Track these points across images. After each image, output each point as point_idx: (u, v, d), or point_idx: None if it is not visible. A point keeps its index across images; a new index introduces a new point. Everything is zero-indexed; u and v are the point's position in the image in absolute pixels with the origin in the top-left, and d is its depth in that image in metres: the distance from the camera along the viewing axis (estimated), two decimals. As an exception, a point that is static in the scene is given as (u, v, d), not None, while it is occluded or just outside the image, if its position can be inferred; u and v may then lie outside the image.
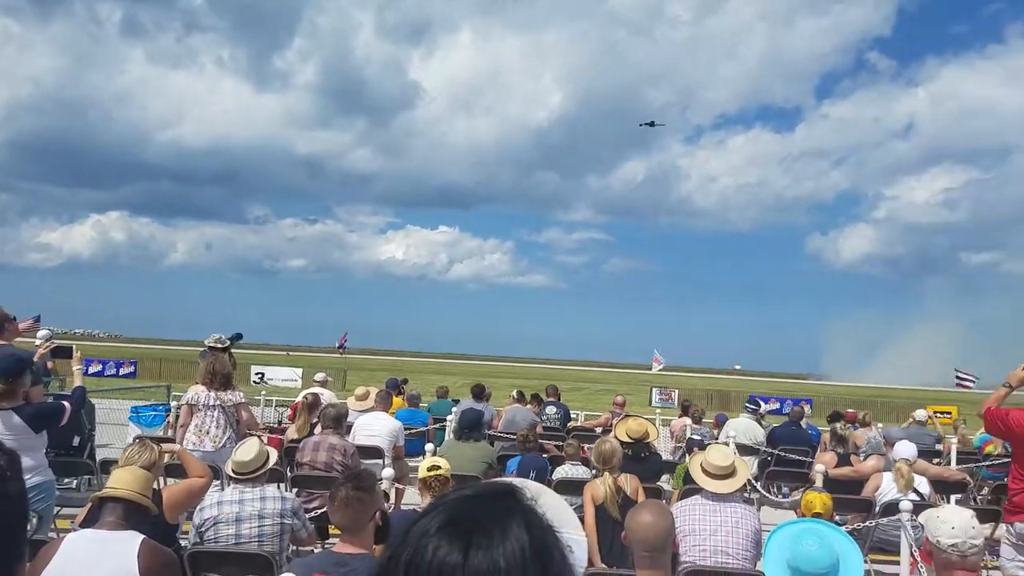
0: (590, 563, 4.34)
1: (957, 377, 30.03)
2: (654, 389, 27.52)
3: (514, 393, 11.05)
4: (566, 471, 5.94)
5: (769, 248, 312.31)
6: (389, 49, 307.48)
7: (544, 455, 7.10)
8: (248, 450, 4.02)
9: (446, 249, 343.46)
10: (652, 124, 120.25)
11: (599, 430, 10.38)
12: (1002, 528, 4.89)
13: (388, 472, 5.22)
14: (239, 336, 9.44)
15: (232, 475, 4.06)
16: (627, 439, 5.87)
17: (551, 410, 10.62)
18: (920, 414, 10.82)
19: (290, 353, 70.94)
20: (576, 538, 2.25)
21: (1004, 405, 4.63)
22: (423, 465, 4.03)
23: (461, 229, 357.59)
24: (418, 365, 65.68)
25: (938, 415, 14.91)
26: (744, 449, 9.41)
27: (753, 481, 8.74)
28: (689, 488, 5.10)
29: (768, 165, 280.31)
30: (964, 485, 7.59)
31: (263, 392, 14.88)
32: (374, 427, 6.91)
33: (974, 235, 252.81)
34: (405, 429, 7.38)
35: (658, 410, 15.96)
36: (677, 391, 27.88)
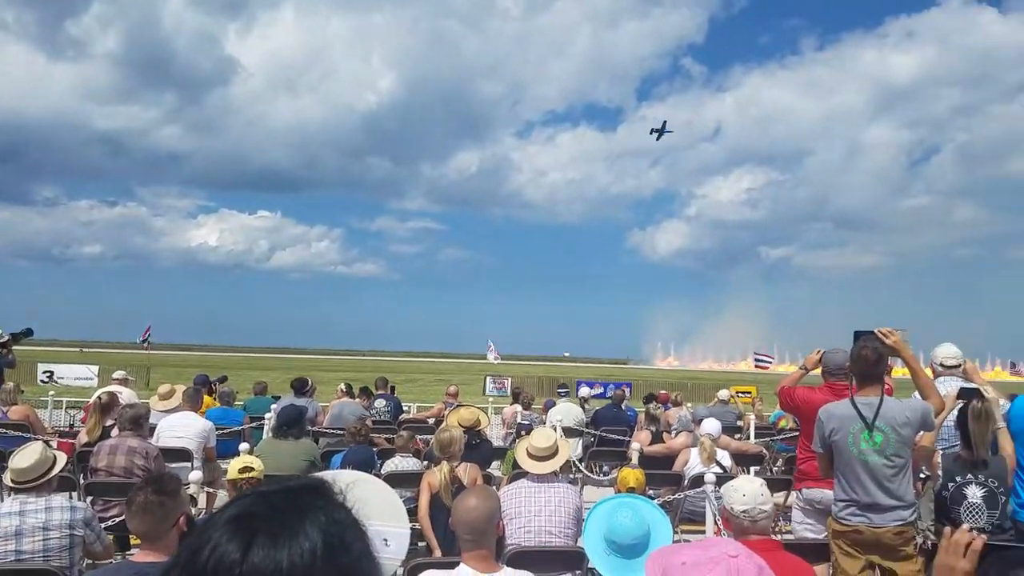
0: (430, 551, 4.38)
1: (756, 359, 33.67)
2: (488, 378, 28.10)
3: (342, 387, 10.78)
4: (396, 464, 5.91)
5: (595, 241, 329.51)
6: (202, 20, 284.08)
7: (374, 448, 7.01)
8: (27, 456, 3.60)
9: (266, 235, 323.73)
10: (661, 131, 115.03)
11: (432, 421, 10.43)
12: (793, 495, 5.52)
13: (196, 475, 4.89)
14: (28, 332, 8.35)
15: (11, 484, 3.63)
16: (459, 428, 5.95)
17: (381, 403, 10.49)
18: (723, 394, 12.00)
19: (84, 350, 64.54)
20: (394, 530, 2.25)
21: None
22: (233, 466, 3.82)
23: (284, 214, 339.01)
24: (235, 360, 61.94)
25: (740, 394, 16.59)
26: (570, 432, 9.91)
27: (577, 462, 9.23)
28: (517, 473, 5.27)
29: (593, 162, 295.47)
30: (761, 457, 8.50)
31: (51, 392, 13.46)
32: (180, 428, 6.46)
33: (772, 231, 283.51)
34: (217, 429, 6.95)
35: (491, 399, 16.31)
36: (510, 379, 28.67)
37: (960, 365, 4.89)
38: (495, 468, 7.39)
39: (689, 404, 12.68)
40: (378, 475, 5.62)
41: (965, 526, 1.86)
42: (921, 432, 3.86)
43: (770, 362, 33.45)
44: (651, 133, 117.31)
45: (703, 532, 5.50)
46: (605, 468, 9.21)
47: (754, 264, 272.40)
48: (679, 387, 30.42)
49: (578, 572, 3.72)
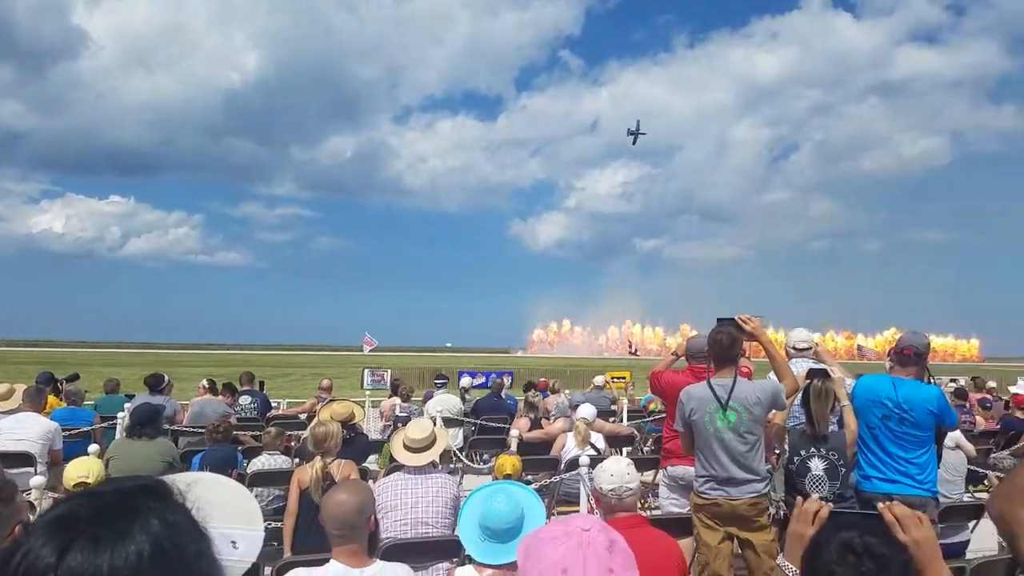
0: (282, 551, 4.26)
1: (630, 346, 35.30)
2: (366, 371, 27.59)
3: (204, 383, 10.26)
4: (263, 462, 5.71)
5: (477, 230, 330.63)
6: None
7: (239, 447, 6.73)
8: None
9: (119, 222, 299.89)
10: (636, 133, 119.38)
11: (303, 417, 10.14)
12: (660, 472, 5.83)
13: (38, 480, 4.52)
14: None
15: None
16: (335, 422, 5.82)
17: (246, 400, 10.07)
18: (599, 379, 12.47)
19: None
20: (244, 532, 2.17)
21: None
22: (67, 475, 3.55)
23: (138, 199, 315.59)
24: (84, 356, 57.44)
25: (614, 380, 17.26)
26: (450, 422, 9.94)
27: (457, 452, 9.29)
28: (394, 466, 5.24)
29: (474, 150, 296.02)
30: (632, 439, 8.91)
31: None
32: (21, 430, 5.94)
33: (645, 224, 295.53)
34: (65, 430, 6.44)
35: (368, 392, 16.05)
36: (389, 371, 28.32)
37: (811, 348, 5.33)
38: (373, 462, 7.30)
39: (567, 391, 13.07)
40: (242, 475, 5.41)
41: (814, 496, 2.05)
42: (773, 411, 4.19)
43: (639, 350, 35.22)
44: (628, 135, 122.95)
45: (577, 512, 5.69)
46: (485, 456, 9.33)
47: (629, 255, 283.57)
48: (558, 374, 31.17)
49: (455, 560, 3.75)
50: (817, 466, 4.35)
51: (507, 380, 15.78)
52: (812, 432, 4.37)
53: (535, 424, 8.07)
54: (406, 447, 4.22)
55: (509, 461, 4.59)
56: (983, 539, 5.25)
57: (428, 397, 10.92)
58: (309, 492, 4.51)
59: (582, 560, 1.19)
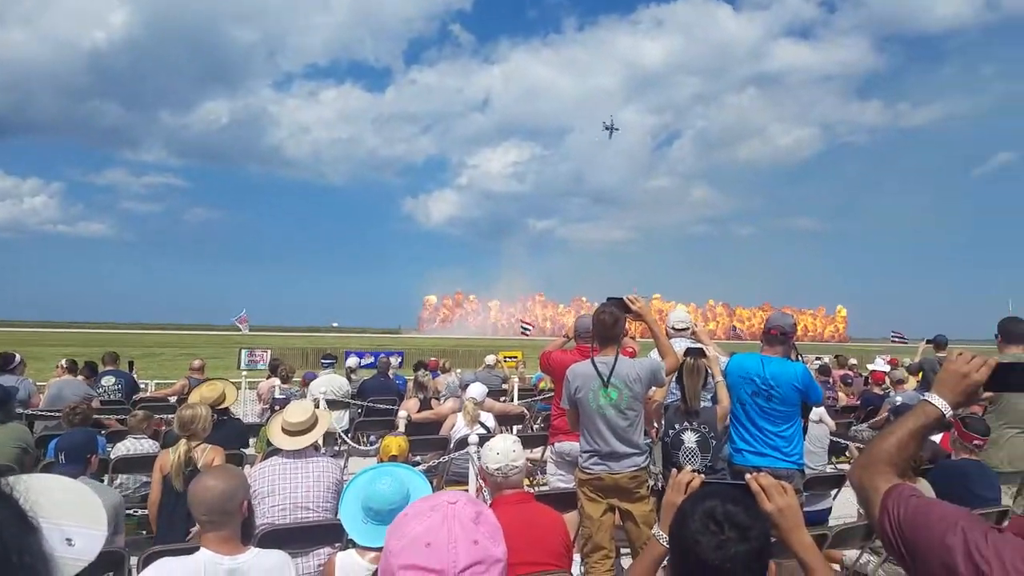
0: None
1: (522, 325, 35.87)
2: (243, 351, 26.46)
3: (62, 363, 9.55)
4: (128, 447, 5.39)
5: (365, 206, 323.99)
6: None
7: (102, 431, 6.32)
8: None
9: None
10: (611, 129, 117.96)
11: (174, 399, 9.65)
12: (548, 449, 5.96)
13: None
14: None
15: None
16: (205, 405, 5.56)
17: (109, 381, 9.48)
18: (490, 359, 12.58)
19: None
20: (82, 529, 2.05)
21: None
22: None
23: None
24: (-74, 336, 52.16)
25: (507, 359, 17.45)
26: (335, 404, 9.73)
27: (343, 434, 9.13)
28: (272, 450, 5.07)
29: (361, 122, 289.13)
30: (522, 417, 9.07)
31: None
32: None
33: (538, 204, 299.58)
34: None
35: (244, 373, 15.45)
36: (269, 351, 27.33)
37: (688, 328, 5.58)
38: (251, 446, 7.04)
39: (458, 370, 13.10)
40: (105, 460, 5.09)
41: (688, 467, 2.15)
42: (653, 387, 4.37)
43: (531, 328, 35.87)
44: (604, 130, 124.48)
45: (466, 492, 5.72)
46: (372, 438, 9.22)
47: (523, 235, 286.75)
48: (450, 354, 31.13)
49: (337, 545, 3.69)
50: (690, 439, 4.58)
51: (396, 360, 15.60)
52: (685, 407, 4.59)
53: (424, 404, 8.04)
54: (284, 430, 4.08)
55: (395, 442, 4.55)
56: (844, 507, 5.71)
57: (309, 378, 10.63)
58: (170, 478, 4.32)
59: (447, 532, 1.18)
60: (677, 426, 4.57)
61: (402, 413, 7.38)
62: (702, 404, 4.70)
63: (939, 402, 1.66)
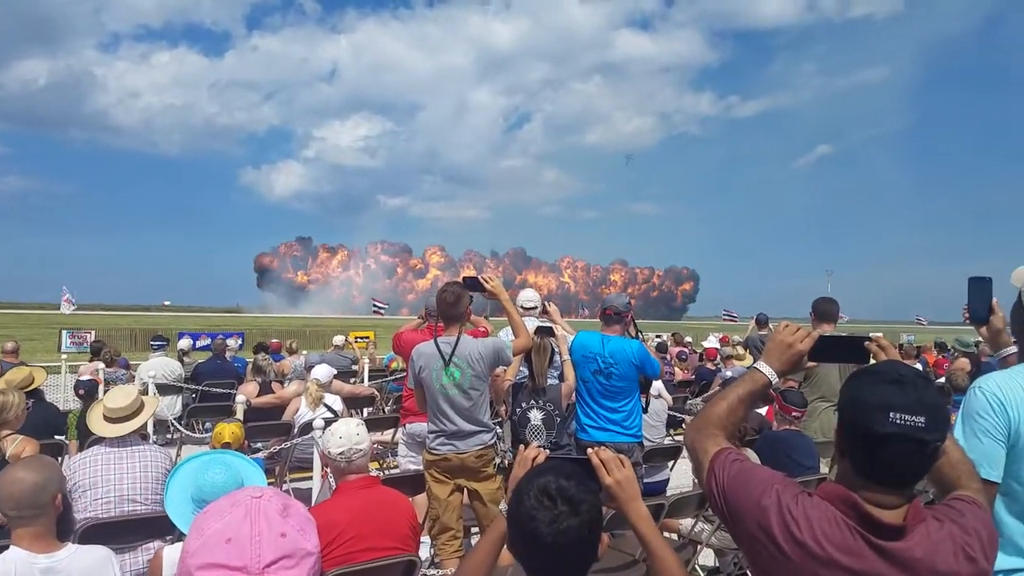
0: None
1: (374, 305, 35.38)
2: (64, 332, 24.18)
3: None
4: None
5: (201, 176, 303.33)
6: None
7: None
8: None
9: None
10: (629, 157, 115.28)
11: (-24, 386, 8.63)
12: (399, 431, 5.92)
13: None
14: None
15: None
16: (18, 391, 5.03)
17: None
18: (338, 339, 12.30)
19: None
20: None
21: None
22: None
23: None
24: None
25: (358, 340, 17.14)
26: (166, 388, 9.15)
27: (175, 421, 8.60)
28: (94, 439, 4.69)
29: (197, 88, 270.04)
30: (373, 399, 8.94)
31: None
32: None
33: (390, 181, 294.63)
34: None
35: (64, 356, 14.14)
36: (93, 332, 25.14)
37: (537, 307, 5.72)
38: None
39: (304, 352, 12.69)
40: None
41: (534, 443, 2.20)
42: (502, 367, 4.43)
43: (386, 307, 35.50)
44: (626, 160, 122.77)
45: (311, 479, 5.57)
46: (208, 425, 8.77)
47: (374, 211, 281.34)
48: (296, 335, 30.18)
49: (168, 538, 3.50)
50: (536, 417, 4.73)
51: (235, 341, 14.86)
52: (532, 385, 4.72)
53: (265, 388, 7.72)
54: (106, 417, 3.78)
55: (227, 429, 4.32)
56: (680, 477, 6.12)
57: (122, 365, 9.91)
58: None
59: (250, 527, 1.13)
60: (524, 404, 4.69)
61: (240, 398, 7.03)
62: (549, 382, 4.84)
63: (767, 370, 1.79)
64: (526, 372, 4.94)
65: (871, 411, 1.42)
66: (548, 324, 5.20)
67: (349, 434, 2.99)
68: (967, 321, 2.47)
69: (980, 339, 2.57)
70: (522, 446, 1.97)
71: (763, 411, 6.15)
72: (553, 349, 4.92)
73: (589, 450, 1.77)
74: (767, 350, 1.83)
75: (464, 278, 4.45)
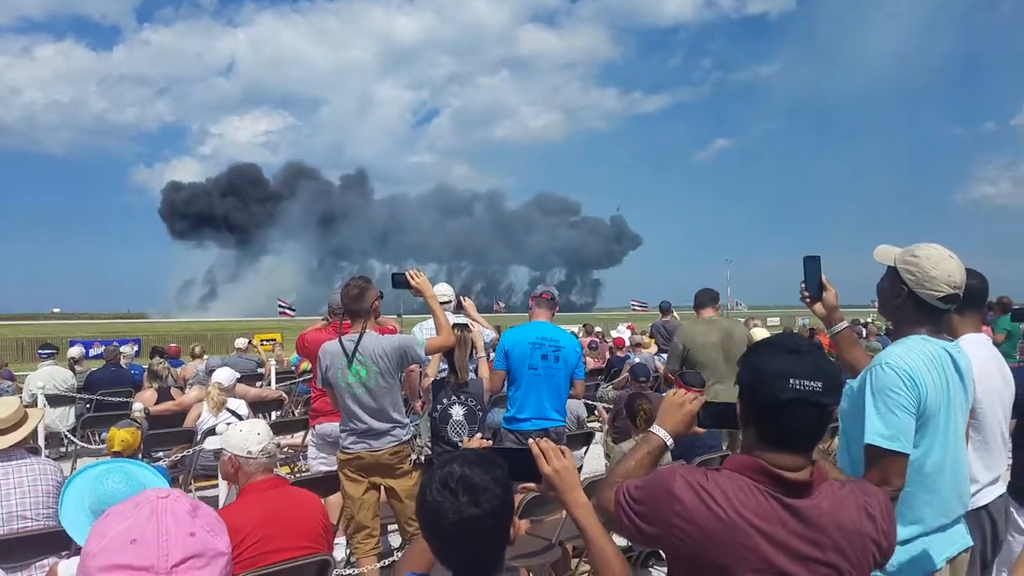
0: None
1: (280, 307, 34.39)
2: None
3: None
4: None
5: (89, 176, 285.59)
6: None
7: None
8: None
9: None
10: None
11: None
12: (309, 432, 5.79)
13: None
14: None
15: None
16: None
17: None
18: (241, 342, 11.93)
19: None
20: None
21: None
22: None
23: None
24: None
25: (264, 342, 16.63)
26: (57, 399, 8.67)
27: (68, 433, 8.14)
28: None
29: (85, 84, 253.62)
30: (281, 402, 8.72)
31: None
32: None
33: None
34: None
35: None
36: (-29, 344, 23.38)
37: (451, 301, 5.72)
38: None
39: (206, 356, 12.23)
40: None
41: (478, 435, 2.21)
42: (416, 364, 4.36)
43: (294, 311, 34.57)
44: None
45: (217, 486, 5.39)
46: (105, 435, 8.33)
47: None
48: (199, 339, 28.95)
49: (64, 553, 3.32)
50: (458, 412, 4.72)
51: (131, 348, 14.17)
52: (454, 380, 4.72)
53: (164, 395, 7.42)
54: (-14, 430, 3.53)
55: (119, 435, 4.12)
56: (592, 462, 6.28)
57: (6, 376, 9.31)
58: None
59: (156, 526, 1.10)
60: (445, 400, 4.66)
61: (137, 406, 6.71)
62: (470, 376, 4.84)
63: (662, 432, 1.87)
64: (447, 367, 4.94)
65: (773, 379, 1.52)
66: (464, 320, 5.21)
67: (251, 435, 2.91)
68: (803, 299, 2.61)
69: (821, 320, 2.74)
70: (466, 438, 1.98)
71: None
72: (472, 343, 4.93)
73: (530, 440, 1.78)
74: (660, 412, 1.91)
75: (392, 274, 4.39)
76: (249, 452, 2.93)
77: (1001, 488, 2.72)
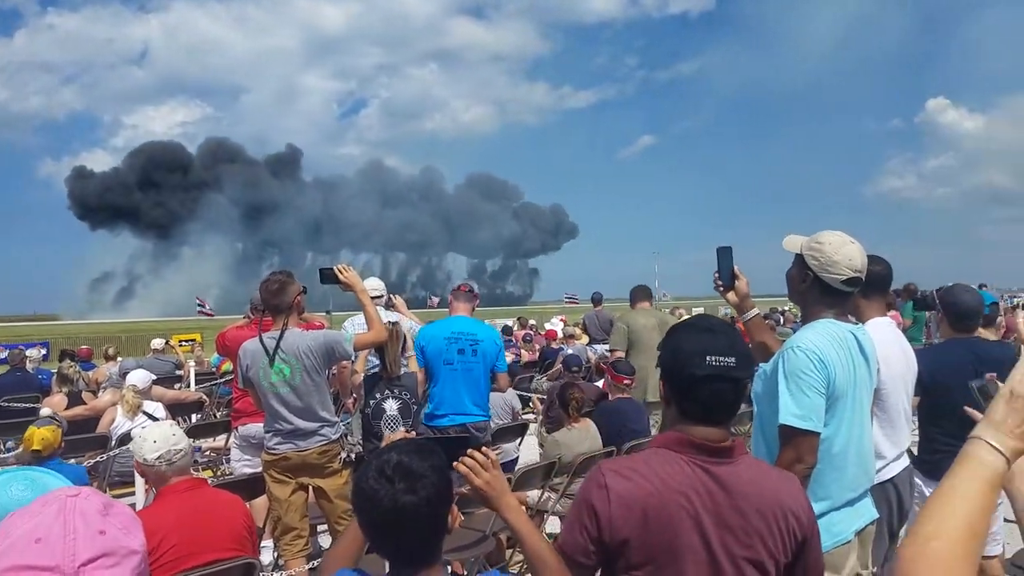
0: None
1: (199, 307, 33.34)
2: None
3: None
4: None
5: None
6: None
7: None
8: None
9: None
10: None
11: None
12: (232, 434, 5.66)
13: None
14: None
15: None
16: None
17: None
18: (157, 343, 11.55)
19: None
20: None
21: None
22: None
23: None
24: None
25: (184, 343, 16.11)
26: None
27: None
28: None
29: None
30: (201, 404, 8.47)
31: None
32: None
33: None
34: None
35: None
36: None
37: (382, 296, 5.69)
38: None
39: (120, 358, 11.79)
40: None
41: (401, 430, 2.20)
42: (344, 359, 4.27)
43: (212, 312, 33.52)
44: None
45: (134, 493, 5.21)
46: (11, 444, 7.93)
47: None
48: (112, 341, 27.84)
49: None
50: (391, 406, 4.67)
51: (39, 352, 13.50)
52: (387, 375, 4.69)
53: (75, 399, 7.11)
54: None
55: (37, 434, 3.95)
56: (527, 453, 6.35)
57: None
58: None
59: (62, 525, 1.07)
60: (379, 395, 4.61)
61: (45, 411, 6.42)
62: (403, 370, 4.82)
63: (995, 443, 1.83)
64: (378, 362, 4.90)
65: (691, 356, 1.62)
66: (396, 317, 5.18)
67: (164, 436, 2.80)
68: (717, 288, 2.72)
69: (732, 308, 2.86)
70: (388, 433, 1.98)
71: (600, 383, 6.49)
72: (404, 337, 4.90)
73: (455, 463, 1.77)
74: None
75: (320, 270, 4.29)
76: (145, 460, 2.83)
77: (905, 462, 2.90)
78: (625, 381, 5.38)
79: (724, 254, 2.68)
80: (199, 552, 2.66)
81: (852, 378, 2.30)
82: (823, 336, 2.28)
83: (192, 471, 5.47)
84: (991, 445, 0.94)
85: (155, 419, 5.96)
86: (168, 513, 2.68)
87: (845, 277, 2.32)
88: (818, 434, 2.19)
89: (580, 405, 5.08)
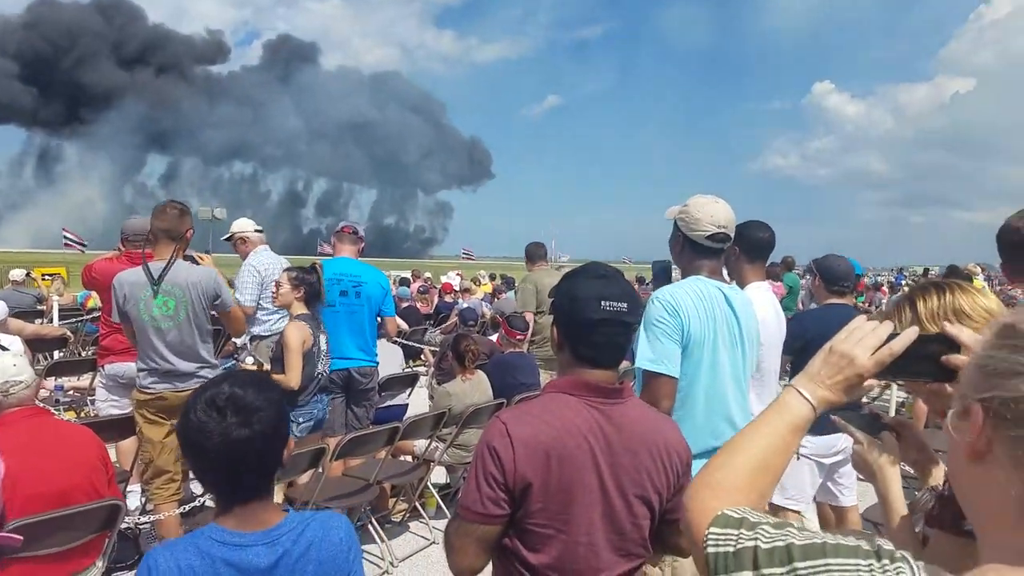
0: None
1: (65, 238, 31.31)
2: None
3: None
4: None
5: None
6: None
7: None
8: None
9: None
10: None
11: None
12: (98, 374, 5.41)
13: None
14: None
15: None
16: None
17: None
18: (17, 274, 10.85)
19: None
20: None
21: None
22: None
23: None
24: None
25: (45, 276, 15.07)
26: None
27: None
28: None
29: None
30: (65, 340, 8.03)
31: None
32: None
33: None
34: None
35: None
36: None
37: (259, 233, 5.65)
38: None
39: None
40: None
41: (249, 359, 2.18)
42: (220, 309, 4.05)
43: (85, 245, 31.49)
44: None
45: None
46: None
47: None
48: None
49: None
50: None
51: None
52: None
53: (-80, 330, 6.59)
54: None
55: None
56: (416, 405, 6.41)
57: None
58: None
59: None
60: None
61: None
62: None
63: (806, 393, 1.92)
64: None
65: (587, 301, 1.71)
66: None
67: (4, 368, 2.64)
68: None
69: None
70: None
71: (494, 337, 6.63)
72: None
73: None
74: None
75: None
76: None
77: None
78: (518, 336, 5.53)
79: (663, 266, 2.92)
80: (46, 480, 2.53)
81: (711, 331, 2.49)
82: (682, 290, 2.48)
83: (53, 411, 5.26)
84: (800, 393, 1.06)
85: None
86: (5, 439, 2.50)
87: (709, 233, 2.54)
88: (673, 378, 2.38)
89: (475, 357, 5.18)
